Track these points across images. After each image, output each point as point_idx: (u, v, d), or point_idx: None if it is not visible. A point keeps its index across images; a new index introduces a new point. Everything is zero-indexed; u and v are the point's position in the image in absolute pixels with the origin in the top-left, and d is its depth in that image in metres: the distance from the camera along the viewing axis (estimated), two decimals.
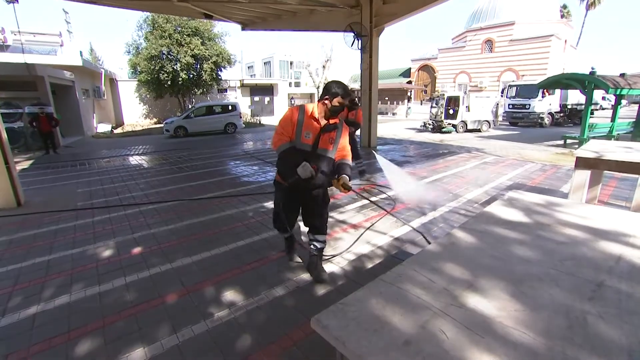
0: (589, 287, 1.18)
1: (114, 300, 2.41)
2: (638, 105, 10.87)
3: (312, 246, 2.65)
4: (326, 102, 2.27)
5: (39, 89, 11.19)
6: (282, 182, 2.45)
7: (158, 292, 2.49)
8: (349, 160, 2.48)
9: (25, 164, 8.51)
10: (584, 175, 3.49)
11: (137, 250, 3.24)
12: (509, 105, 15.99)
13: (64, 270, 2.88)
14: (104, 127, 16.97)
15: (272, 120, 22.79)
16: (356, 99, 5.39)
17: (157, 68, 17.89)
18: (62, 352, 1.92)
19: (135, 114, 22.19)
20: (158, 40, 17.68)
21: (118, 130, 18.40)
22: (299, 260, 2.92)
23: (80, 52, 15.46)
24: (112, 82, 21.26)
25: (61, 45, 15.84)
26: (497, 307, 1.08)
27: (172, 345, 1.96)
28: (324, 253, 2.77)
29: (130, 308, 2.32)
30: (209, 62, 18.84)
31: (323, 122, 2.31)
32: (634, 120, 10.48)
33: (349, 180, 2.34)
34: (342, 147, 2.45)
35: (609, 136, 9.50)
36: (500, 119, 15.28)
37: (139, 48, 18.84)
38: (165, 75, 18.06)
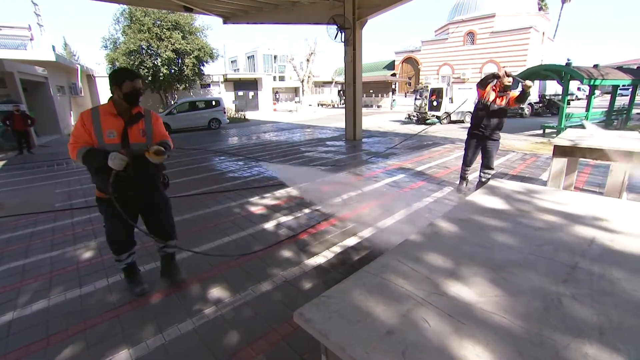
0: (564, 270, 1.22)
1: (96, 303, 2.35)
2: (610, 95, 11.28)
3: (163, 253, 2.51)
4: (116, 92, 2.06)
5: (8, 85, 10.66)
6: (104, 195, 2.16)
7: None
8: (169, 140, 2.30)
9: None
10: (562, 163, 3.60)
11: None
12: None
13: (41, 273, 2.78)
14: None
15: (257, 115, 22.51)
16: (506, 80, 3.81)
17: (136, 63, 17.32)
18: (41, 359, 1.86)
19: None
20: (137, 35, 17.09)
21: None
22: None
23: (53, 46, 14.75)
24: (90, 78, 20.47)
25: (31, 40, 15.02)
26: (477, 294, 1.10)
27: (158, 345, 1.93)
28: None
29: (113, 309, 2.26)
30: (191, 56, 18.38)
31: (125, 116, 2.10)
32: (606, 109, 10.92)
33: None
34: (160, 136, 2.25)
35: (584, 125, 9.83)
36: None
37: (116, 43, 18.17)
38: (146, 70, 17.52)
